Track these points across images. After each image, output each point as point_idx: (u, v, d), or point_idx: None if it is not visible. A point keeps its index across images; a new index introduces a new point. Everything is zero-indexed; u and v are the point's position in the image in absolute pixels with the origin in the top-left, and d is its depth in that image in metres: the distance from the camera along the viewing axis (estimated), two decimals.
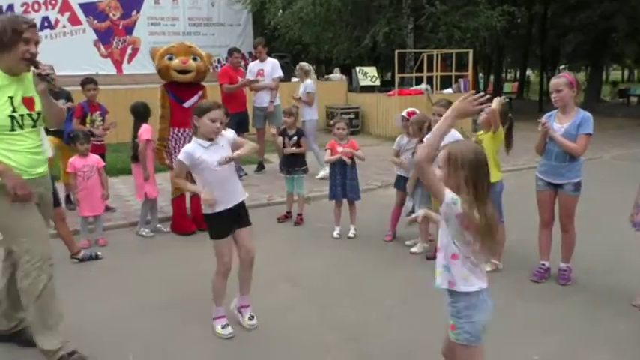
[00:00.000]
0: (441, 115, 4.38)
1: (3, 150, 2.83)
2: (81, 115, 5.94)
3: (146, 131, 5.31)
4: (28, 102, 2.92)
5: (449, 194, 2.13)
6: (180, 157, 3.23)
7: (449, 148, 2.18)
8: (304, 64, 8.43)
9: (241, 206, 3.37)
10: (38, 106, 2.97)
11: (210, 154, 3.20)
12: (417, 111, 5.14)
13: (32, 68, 2.86)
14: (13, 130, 2.83)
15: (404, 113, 5.09)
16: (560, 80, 3.89)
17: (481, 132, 4.34)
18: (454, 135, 4.40)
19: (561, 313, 3.59)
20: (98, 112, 6.06)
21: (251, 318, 3.45)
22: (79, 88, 6.11)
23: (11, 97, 2.84)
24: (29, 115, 2.92)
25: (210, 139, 3.22)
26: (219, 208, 3.23)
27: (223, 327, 3.34)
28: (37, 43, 2.87)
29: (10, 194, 2.79)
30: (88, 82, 6.03)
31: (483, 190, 2.15)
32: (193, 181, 3.39)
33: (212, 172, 3.21)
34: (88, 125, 5.92)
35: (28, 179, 2.90)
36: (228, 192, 3.27)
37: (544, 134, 3.98)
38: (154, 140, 5.41)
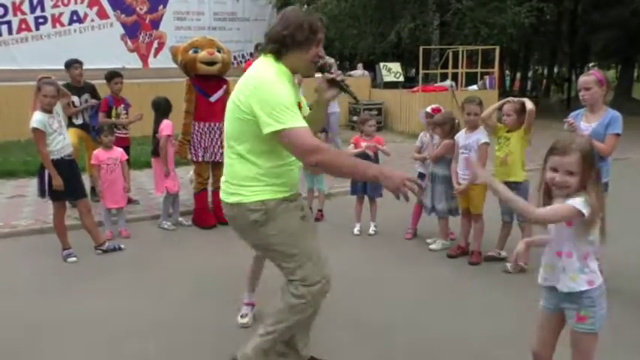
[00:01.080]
0: (477, 114, 4.32)
1: (287, 166, 2.46)
2: (106, 109, 6.03)
3: (167, 127, 5.35)
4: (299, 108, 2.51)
5: (577, 202, 2.07)
6: None
7: (580, 150, 2.10)
8: (329, 59, 8.51)
9: None
10: (304, 112, 2.59)
11: None
12: (442, 108, 5.07)
13: (325, 73, 2.49)
14: None
15: (428, 109, 5.02)
16: (590, 78, 3.78)
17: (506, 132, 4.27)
18: (482, 130, 4.35)
19: None
20: (122, 106, 6.15)
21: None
22: (103, 81, 6.20)
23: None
24: None
25: None
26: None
27: (242, 316, 3.39)
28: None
29: (398, 192, 2.16)
30: (115, 75, 6.11)
31: (598, 174, 2.18)
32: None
33: None
34: (113, 118, 6.01)
35: (288, 196, 2.52)
36: None
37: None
38: (176, 135, 5.46)
